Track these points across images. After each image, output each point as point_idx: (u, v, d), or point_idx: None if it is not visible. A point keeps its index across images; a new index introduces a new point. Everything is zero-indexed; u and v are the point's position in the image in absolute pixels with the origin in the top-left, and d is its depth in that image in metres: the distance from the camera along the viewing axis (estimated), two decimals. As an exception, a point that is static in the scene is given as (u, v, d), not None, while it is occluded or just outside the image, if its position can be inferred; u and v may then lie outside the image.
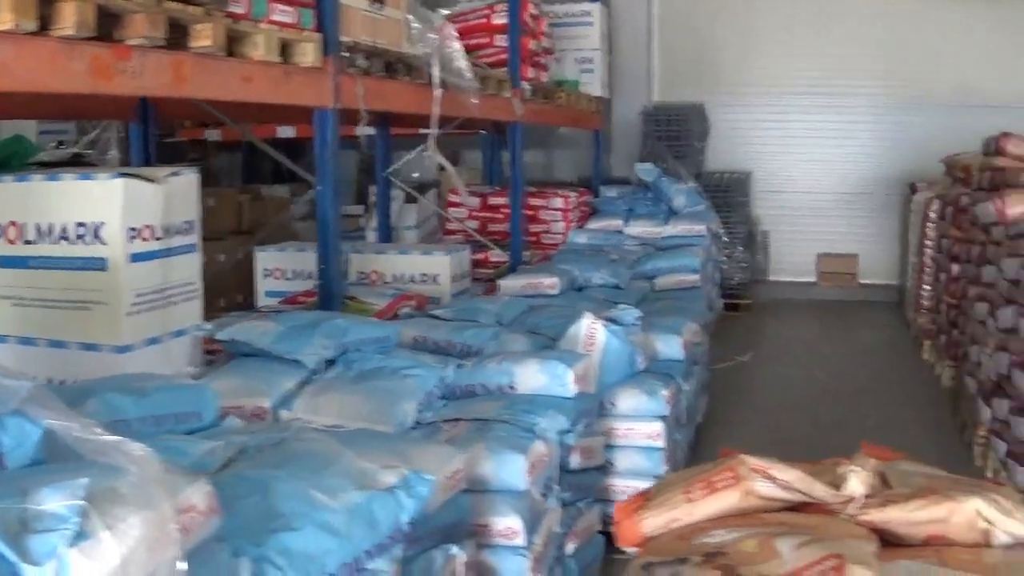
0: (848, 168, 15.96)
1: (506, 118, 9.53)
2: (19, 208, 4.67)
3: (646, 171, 12.82)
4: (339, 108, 5.99)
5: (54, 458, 2.44)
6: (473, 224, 11.16)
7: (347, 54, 6.06)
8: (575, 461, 5.02)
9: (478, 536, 4.13)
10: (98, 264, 4.52)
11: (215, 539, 2.51)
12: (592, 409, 5.41)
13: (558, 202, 11.65)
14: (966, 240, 9.07)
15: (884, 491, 3.14)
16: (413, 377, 4.85)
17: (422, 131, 7.68)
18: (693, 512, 2.96)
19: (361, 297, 6.83)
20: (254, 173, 15.23)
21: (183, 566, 2.23)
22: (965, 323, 8.81)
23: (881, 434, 6.51)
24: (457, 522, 3.74)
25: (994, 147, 8.86)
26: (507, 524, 4.20)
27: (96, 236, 4.52)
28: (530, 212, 11.41)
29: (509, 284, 8.43)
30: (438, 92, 7.24)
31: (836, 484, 3.01)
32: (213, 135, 13.75)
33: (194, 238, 4.93)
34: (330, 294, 6.08)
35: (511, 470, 4.27)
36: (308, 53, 5.59)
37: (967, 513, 2.95)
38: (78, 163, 10.79)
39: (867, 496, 3.03)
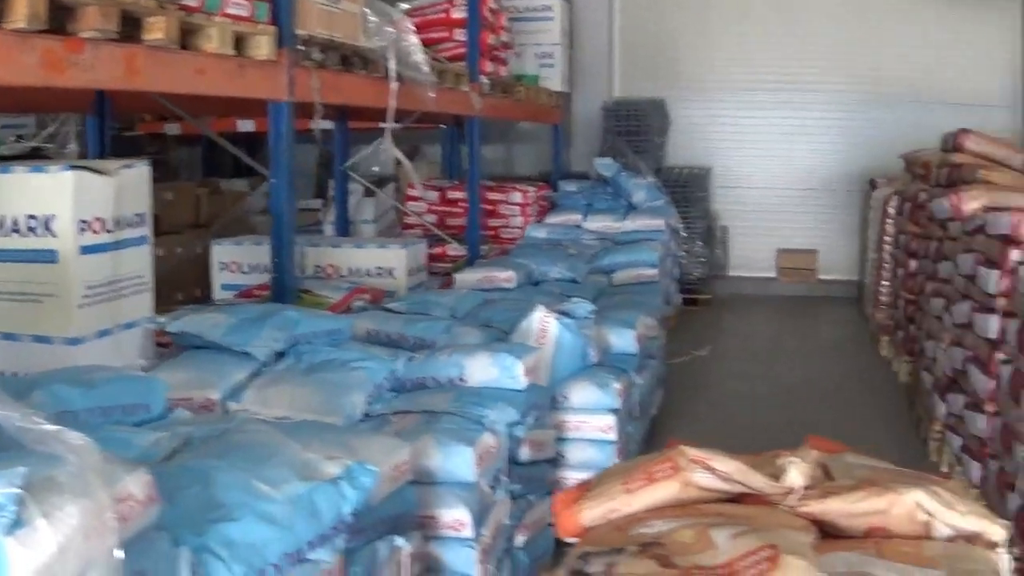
0: (808, 164, 16.00)
1: (464, 112, 9.55)
2: (-29, 201, 4.66)
3: (605, 166, 12.86)
4: (294, 101, 5.99)
5: (-6, 447, 2.45)
6: (432, 218, 11.17)
7: (302, 47, 6.06)
8: (525, 453, 5.04)
9: (426, 528, 4.14)
10: (49, 256, 4.52)
11: (155, 529, 2.52)
12: (543, 402, 5.43)
13: (517, 196, 11.67)
14: (924, 236, 9.12)
15: (825, 483, 3.16)
16: (363, 369, 4.86)
17: (381, 125, 7.69)
18: (632, 503, 2.96)
19: (316, 290, 6.84)
20: (214, 167, 15.18)
21: (120, 555, 2.24)
22: (922, 319, 8.87)
23: (837, 429, 6.58)
24: (403, 514, 3.75)
25: (952, 143, 8.90)
26: (455, 516, 4.21)
27: (47, 228, 4.53)
28: (489, 206, 11.43)
29: (465, 278, 8.44)
30: (394, 86, 7.24)
31: (776, 476, 3.01)
32: (173, 129, 13.70)
33: (145, 230, 4.94)
34: (284, 287, 6.08)
35: (459, 462, 4.28)
36: (262, 46, 5.59)
37: (907, 505, 2.94)
38: (37, 156, 10.76)
39: (807, 488, 3.03)
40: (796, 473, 2.99)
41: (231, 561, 2.69)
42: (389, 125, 7.51)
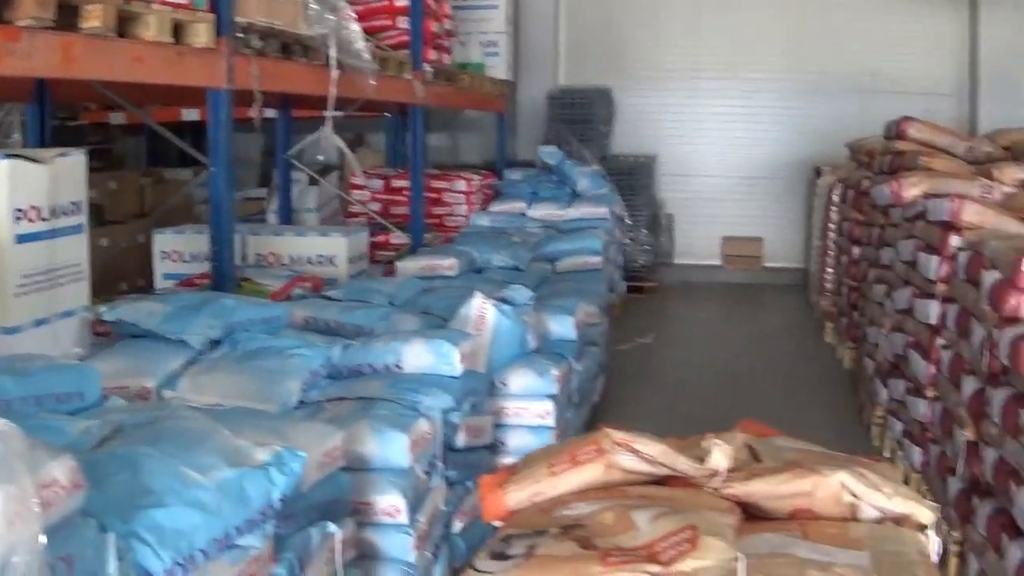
0: (754, 152, 16.11)
1: (407, 100, 9.55)
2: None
3: (550, 154, 12.93)
4: (233, 89, 5.98)
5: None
6: (376, 207, 11.17)
7: (242, 35, 6.05)
8: (462, 440, 5.07)
9: (361, 514, 4.15)
10: (-17, 245, 4.50)
11: (82, 515, 2.52)
12: (480, 388, 5.46)
13: (461, 185, 11.70)
14: (867, 223, 9.20)
15: (752, 465, 3.19)
16: (298, 357, 4.86)
17: (324, 114, 7.69)
18: (557, 485, 2.99)
19: (256, 279, 6.84)
20: (160, 157, 15.10)
21: (44, 540, 2.25)
22: (865, 305, 8.94)
23: (780, 416, 6.58)
24: (335, 499, 3.76)
25: (895, 131, 8.96)
26: (389, 502, 4.23)
27: (-18, 218, 4.51)
28: (433, 195, 11.45)
29: (407, 266, 8.46)
30: (335, 74, 7.23)
31: (702, 458, 3.03)
32: (117, 119, 13.64)
33: (81, 219, 4.92)
34: (223, 276, 6.06)
35: (393, 448, 4.29)
36: (201, 34, 5.58)
37: (832, 487, 2.98)
38: (-20, 147, 10.68)
39: (733, 470, 3.07)
40: (720, 455, 3.02)
41: (158, 547, 2.69)
42: (330, 113, 7.51)
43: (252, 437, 3.25)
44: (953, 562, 5.47)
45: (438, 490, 4.72)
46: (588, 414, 7.55)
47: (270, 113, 9.95)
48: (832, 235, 11.74)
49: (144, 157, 15.51)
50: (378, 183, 11.49)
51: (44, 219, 4.64)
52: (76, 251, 4.90)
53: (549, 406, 6.11)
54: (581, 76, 16.00)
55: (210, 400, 4.37)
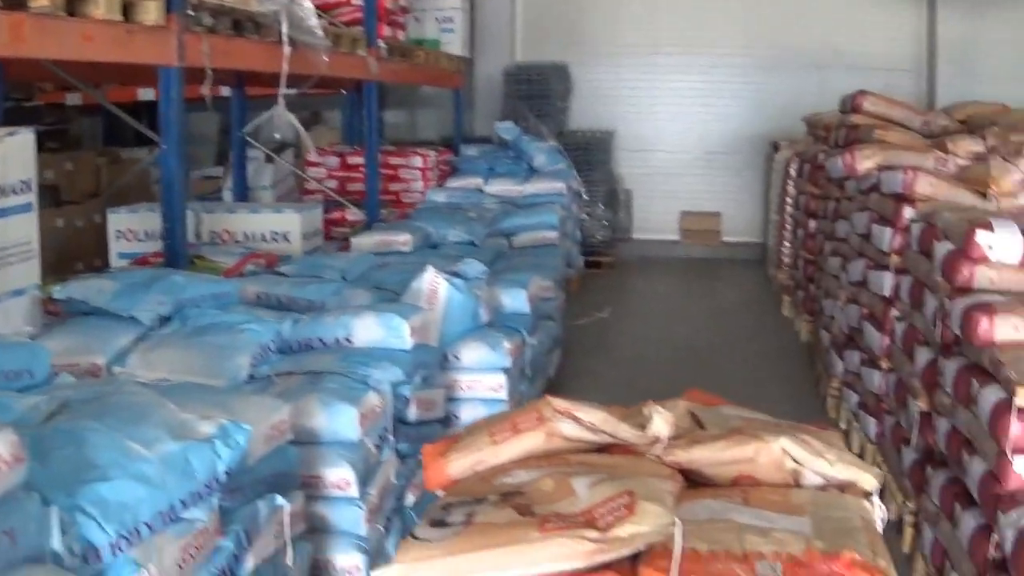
0: (712, 127, 16.13)
1: (361, 77, 9.52)
2: None
3: (506, 130, 12.94)
4: (184, 67, 5.96)
5: None
6: (332, 184, 11.16)
7: (192, 12, 6.03)
8: (413, 413, 5.09)
9: (311, 488, 4.17)
10: (-69, 224, 4.50)
11: (25, 489, 2.54)
12: (431, 361, 5.48)
13: (417, 161, 11.68)
14: (822, 197, 9.25)
15: (695, 432, 3.22)
16: (248, 332, 4.86)
17: (279, 91, 7.67)
18: (498, 454, 3.00)
19: (210, 256, 6.83)
20: (116, 137, 15.02)
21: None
22: (821, 278, 9.00)
23: (737, 389, 6.62)
24: (284, 473, 3.78)
25: (850, 105, 9.01)
26: (339, 475, 4.24)
27: (-71, 196, 4.50)
28: (390, 171, 11.44)
29: (361, 241, 8.45)
30: (287, 50, 7.22)
31: (644, 426, 3.05)
32: (74, 99, 13.56)
33: (31, 197, 4.89)
34: (176, 253, 6.05)
35: (342, 421, 4.31)
36: (151, 11, 5.55)
37: (774, 453, 2.99)
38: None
39: (676, 437, 3.09)
40: (660, 422, 3.04)
41: (103, 520, 2.70)
42: (282, 91, 7.49)
43: (198, 411, 3.26)
44: (908, 532, 5.53)
45: (389, 463, 4.73)
46: (543, 388, 7.56)
47: (226, 92, 9.94)
48: (789, 209, 11.80)
49: (100, 137, 15.43)
50: (334, 160, 11.49)
51: (-9, 198, 4.64)
52: (25, 230, 4.87)
53: (502, 379, 6.14)
54: (538, 52, 15.98)
55: (159, 376, 4.38)
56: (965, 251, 4.83)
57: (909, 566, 5.36)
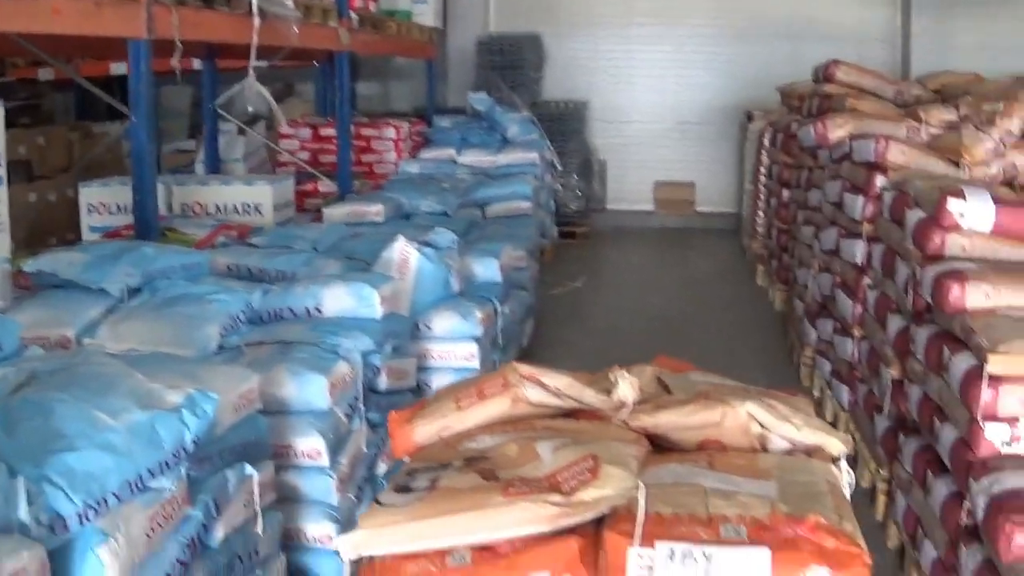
0: (686, 97, 16.10)
1: (332, 48, 9.50)
2: None
3: (479, 101, 12.92)
4: (154, 39, 5.93)
5: None
6: (305, 156, 11.15)
7: (161, -17, 6.02)
8: (384, 382, 5.10)
9: (281, 457, 4.18)
10: (-101, 199, 4.48)
11: (-9, 460, 2.55)
12: (402, 331, 5.49)
13: (390, 132, 11.66)
14: (796, 166, 9.27)
15: (661, 397, 3.23)
16: (217, 302, 4.85)
17: (249, 63, 7.64)
18: (464, 420, 3.02)
19: (181, 228, 6.83)
20: (89, 111, 14.96)
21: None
22: (794, 247, 9.03)
23: (712, 358, 6.61)
24: (253, 442, 3.78)
25: (823, 74, 9.03)
26: (310, 444, 4.26)
27: None
28: (362, 142, 11.43)
29: (334, 212, 8.43)
30: (256, 22, 7.19)
31: (610, 391, 3.07)
32: (46, 74, 13.47)
33: (0, 172, 4.89)
34: (147, 226, 6.03)
35: (312, 391, 4.32)
36: (120, -17, 5.54)
37: (740, 417, 3.03)
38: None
39: (642, 402, 3.11)
40: (626, 387, 3.05)
41: (70, 490, 2.70)
42: (253, 63, 7.47)
43: (166, 381, 3.27)
44: (881, 500, 5.56)
45: (359, 432, 4.74)
46: (517, 357, 7.54)
47: (198, 65, 9.90)
48: (763, 179, 11.82)
49: (73, 112, 15.36)
50: (306, 132, 11.49)
51: (-40, 172, 4.63)
52: (-5, 204, 4.87)
53: (473, 348, 6.16)
54: (511, 23, 15.93)
55: (129, 347, 4.38)
56: (937, 219, 4.85)
57: (882, 533, 5.39)
